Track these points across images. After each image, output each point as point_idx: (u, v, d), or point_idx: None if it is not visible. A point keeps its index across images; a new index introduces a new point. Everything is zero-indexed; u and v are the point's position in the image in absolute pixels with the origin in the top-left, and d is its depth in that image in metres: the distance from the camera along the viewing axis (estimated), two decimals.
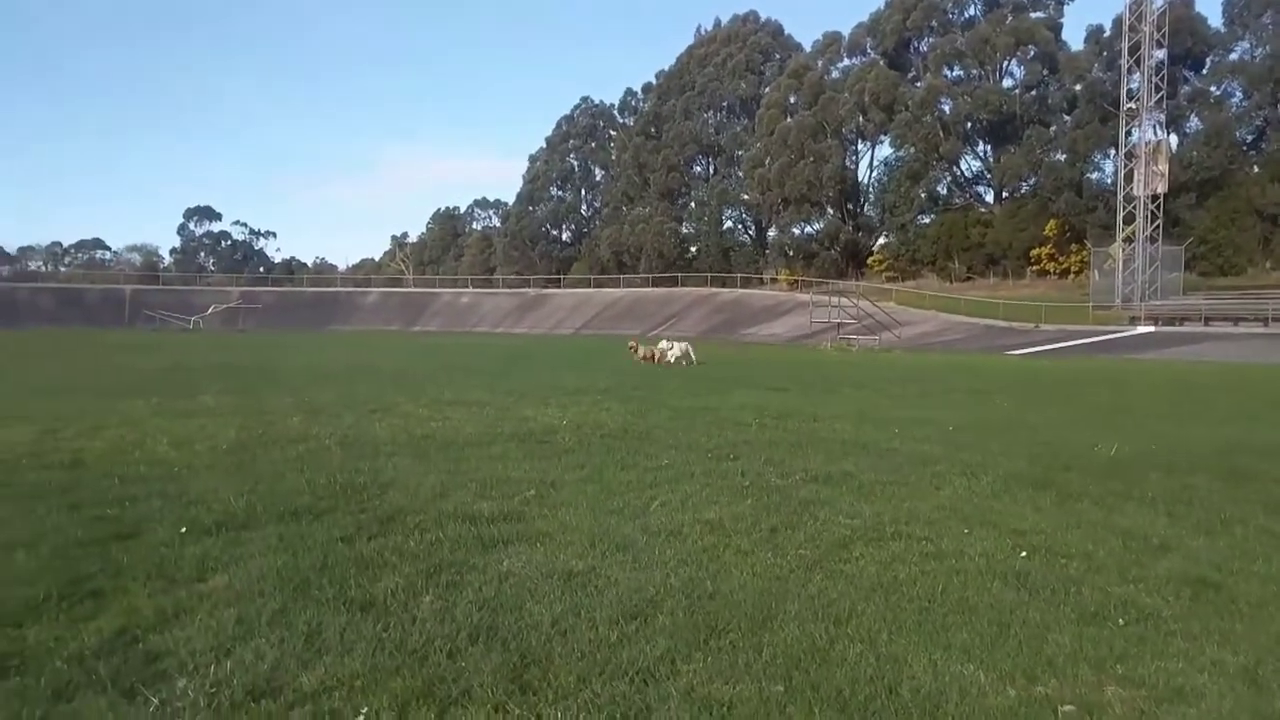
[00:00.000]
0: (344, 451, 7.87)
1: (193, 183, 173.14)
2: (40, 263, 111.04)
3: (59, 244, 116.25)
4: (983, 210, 67.73)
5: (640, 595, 4.04)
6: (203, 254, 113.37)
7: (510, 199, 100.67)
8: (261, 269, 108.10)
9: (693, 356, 24.09)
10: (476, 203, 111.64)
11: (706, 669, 3.25)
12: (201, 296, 78.32)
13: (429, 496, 6.06)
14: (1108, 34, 57.77)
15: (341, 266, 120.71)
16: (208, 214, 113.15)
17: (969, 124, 65.32)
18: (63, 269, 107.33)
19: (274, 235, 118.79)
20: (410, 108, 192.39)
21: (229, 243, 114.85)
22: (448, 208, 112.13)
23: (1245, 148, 55.67)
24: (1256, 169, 54.09)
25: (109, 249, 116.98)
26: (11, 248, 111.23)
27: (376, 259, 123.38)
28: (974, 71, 67.18)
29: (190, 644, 3.36)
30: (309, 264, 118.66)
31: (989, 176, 68.55)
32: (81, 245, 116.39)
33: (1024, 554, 4.92)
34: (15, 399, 11.63)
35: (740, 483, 6.78)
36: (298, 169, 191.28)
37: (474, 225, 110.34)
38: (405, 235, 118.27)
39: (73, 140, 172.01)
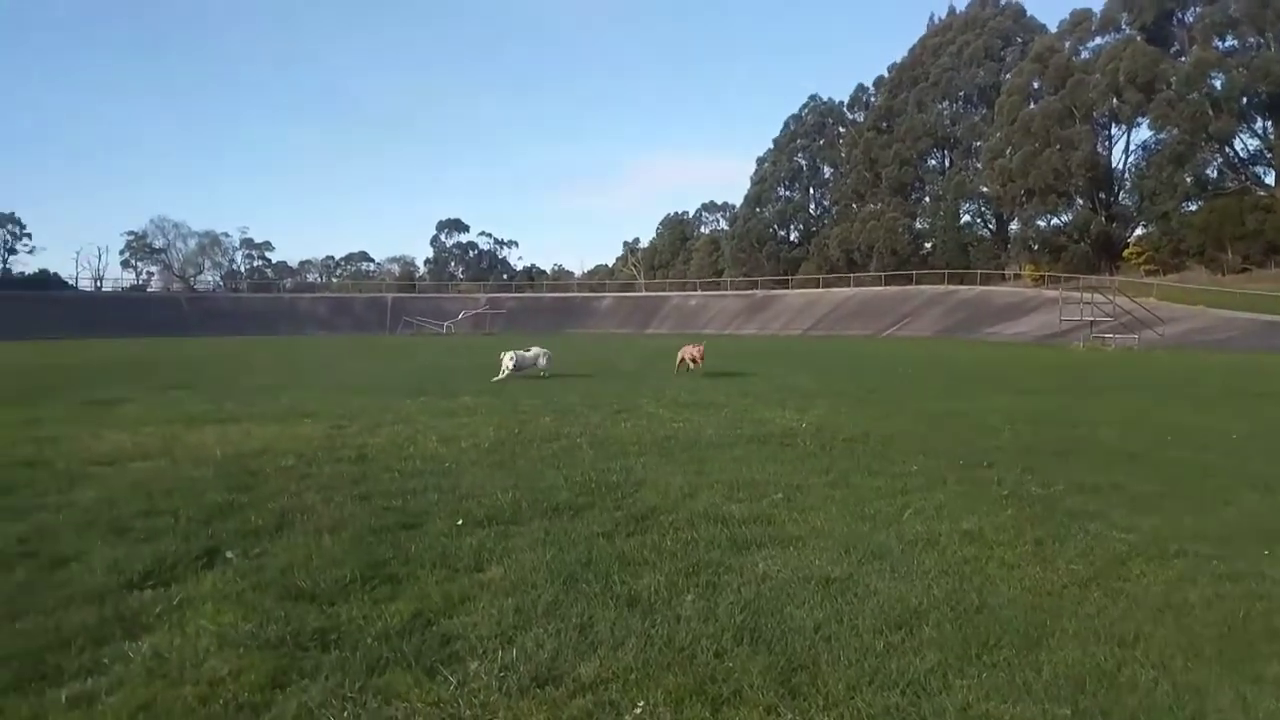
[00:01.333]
0: (595, 450, 8.20)
1: (443, 197, 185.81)
2: (316, 274, 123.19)
3: (331, 257, 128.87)
4: (1261, 194, 60.78)
5: (903, 605, 3.95)
6: (453, 263, 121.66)
7: (738, 201, 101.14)
8: (505, 276, 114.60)
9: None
10: (704, 206, 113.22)
11: (981, 685, 3.14)
12: (452, 303, 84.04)
13: (679, 496, 6.20)
14: None
15: (577, 273, 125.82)
16: (457, 226, 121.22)
17: (1244, 99, 58.89)
18: (334, 280, 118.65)
19: (516, 244, 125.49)
20: (640, 116, 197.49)
21: (475, 252, 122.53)
22: (677, 212, 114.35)
23: None
24: None
25: (373, 261, 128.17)
26: (294, 261, 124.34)
27: (610, 264, 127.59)
28: (1250, 40, 60.48)
29: (476, 629, 3.62)
30: (547, 270, 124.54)
31: (1269, 156, 61.48)
32: (349, 258, 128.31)
33: None
34: (305, 398, 12.97)
35: (998, 491, 6.47)
36: (537, 180, 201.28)
37: (702, 229, 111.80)
38: (636, 241, 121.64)
39: (342, 161, 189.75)
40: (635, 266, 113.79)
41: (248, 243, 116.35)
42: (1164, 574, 4.50)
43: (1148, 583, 4.35)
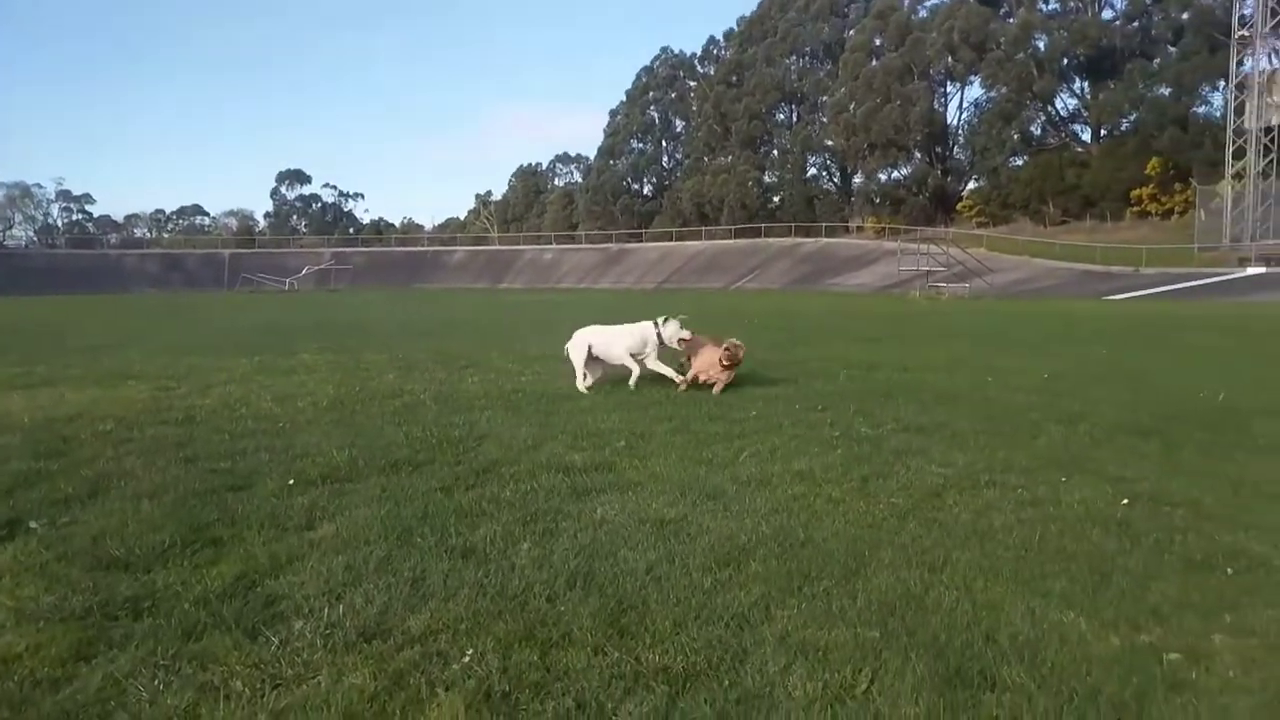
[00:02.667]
0: (439, 406, 8.08)
1: (283, 147, 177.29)
2: (145, 230, 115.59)
3: (161, 211, 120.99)
4: (1079, 150, 65.09)
5: (732, 543, 4.09)
6: (295, 217, 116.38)
7: (591, 154, 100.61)
8: (351, 230, 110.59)
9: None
10: (558, 158, 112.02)
11: (801, 614, 3.28)
12: (295, 258, 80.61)
13: (522, 448, 6.19)
14: None
15: (428, 226, 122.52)
16: (299, 177, 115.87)
17: (1065, 60, 62.59)
18: (165, 235, 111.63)
19: (362, 197, 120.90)
20: (490, 65, 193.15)
21: (319, 205, 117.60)
22: (530, 164, 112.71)
23: None
24: None
25: (208, 215, 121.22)
26: (118, 216, 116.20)
27: (461, 218, 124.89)
28: (1071, 4, 64.20)
29: (304, 588, 3.53)
30: (396, 224, 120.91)
31: (1086, 115, 65.79)
32: (182, 212, 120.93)
33: (1125, 502, 4.80)
34: (130, 359, 12.21)
35: (830, 433, 6.75)
36: (384, 131, 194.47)
37: (556, 181, 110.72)
38: (489, 193, 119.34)
39: (173, 110, 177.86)
40: (488, 220, 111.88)
41: (65, 195, 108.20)
42: (974, 503, 4.80)
43: (959, 512, 4.64)
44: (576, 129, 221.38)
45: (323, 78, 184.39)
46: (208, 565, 3.80)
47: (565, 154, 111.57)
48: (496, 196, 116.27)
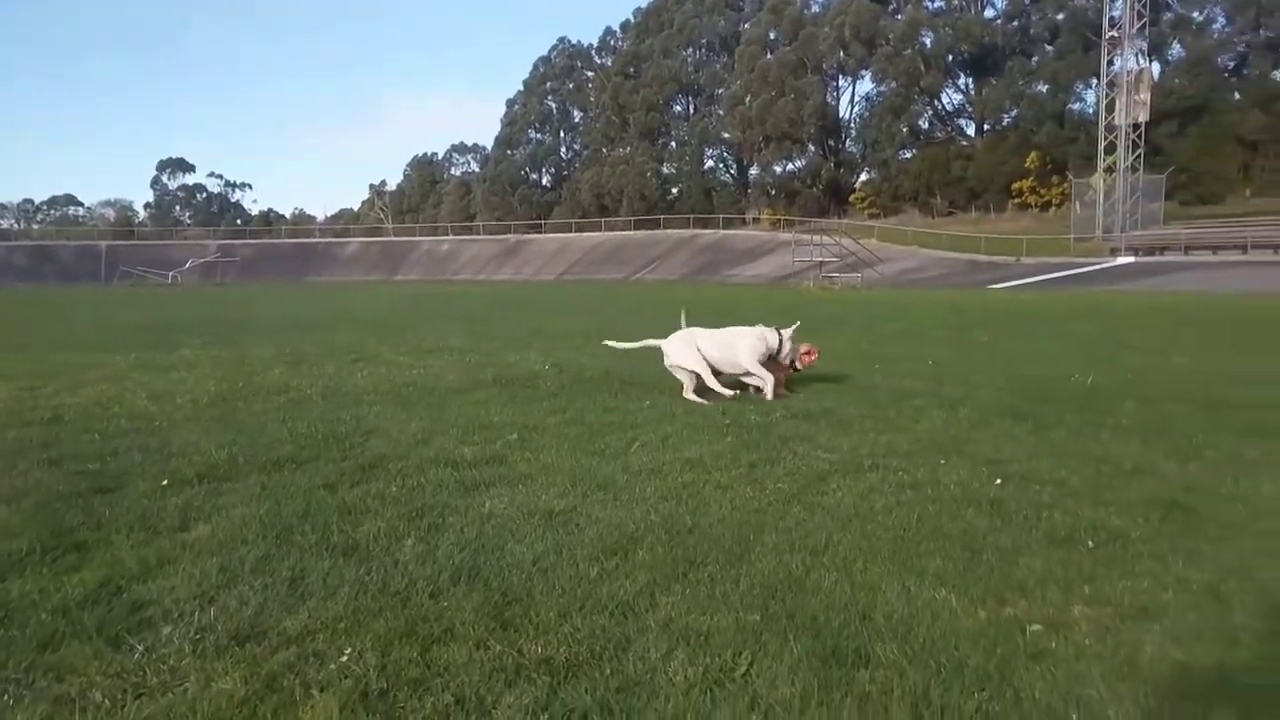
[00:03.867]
0: (326, 401, 7.87)
1: (164, 134, 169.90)
2: (12, 220, 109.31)
3: (30, 201, 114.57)
4: (964, 144, 67.50)
5: (620, 532, 4.10)
6: (178, 208, 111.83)
7: (489, 144, 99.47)
8: (238, 221, 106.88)
9: None
10: (454, 148, 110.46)
11: (685, 601, 3.31)
12: (179, 251, 77.64)
13: (411, 443, 6.08)
14: None
15: (320, 217, 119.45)
16: (181, 166, 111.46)
17: (950, 57, 64.81)
18: (35, 227, 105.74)
19: (250, 187, 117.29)
20: (385, 52, 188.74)
21: (204, 195, 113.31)
22: (426, 154, 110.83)
23: (1226, 74, 55.49)
24: (1237, 96, 53.92)
25: (82, 205, 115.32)
26: None
27: (355, 209, 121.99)
28: (955, 2, 66.40)
29: (174, 592, 3.39)
30: (287, 215, 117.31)
31: (970, 110, 68.21)
32: (53, 202, 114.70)
33: (998, 482, 5.00)
34: None
35: (721, 421, 6.83)
36: (272, 118, 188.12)
37: (453, 171, 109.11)
38: (384, 184, 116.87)
39: (41, 94, 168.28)
40: (383, 210, 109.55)
41: None
42: (857, 487, 4.93)
43: (842, 495, 4.76)
44: (473, 118, 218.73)
45: (207, 61, 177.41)
46: (69, 572, 3.61)
47: (462, 144, 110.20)
48: (391, 187, 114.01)
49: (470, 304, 28.76)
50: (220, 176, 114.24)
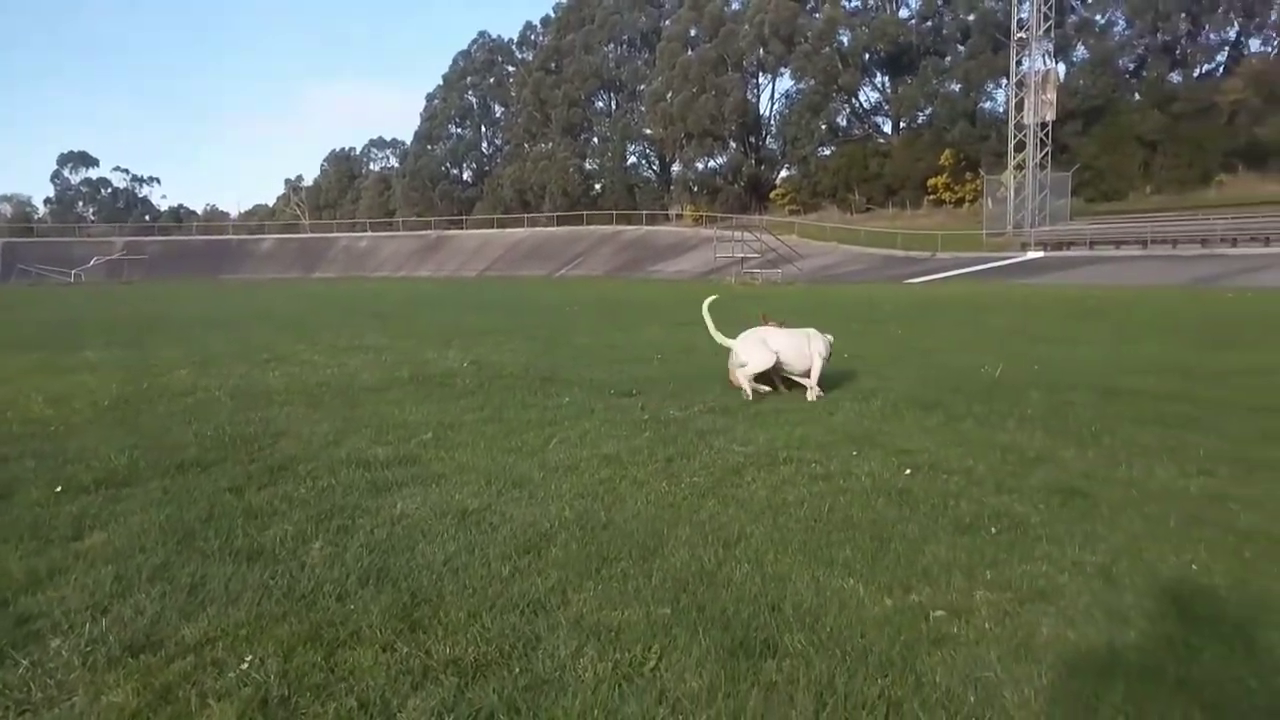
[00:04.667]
0: (235, 402, 7.65)
1: (65, 126, 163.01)
2: None
3: None
4: (881, 141, 68.78)
5: (534, 529, 4.07)
6: (81, 203, 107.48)
7: (408, 139, 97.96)
8: (146, 217, 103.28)
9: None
10: (373, 143, 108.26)
11: (596, 597, 3.31)
12: (82, 248, 74.69)
13: (322, 444, 5.96)
14: None
15: (233, 213, 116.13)
16: (84, 160, 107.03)
17: (867, 55, 65.92)
18: None
19: (158, 182, 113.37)
20: (301, 44, 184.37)
21: (109, 190, 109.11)
22: (343, 149, 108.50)
23: (1128, 75, 57.58)
24: (1137, 96, 56.03)
25: None
26: None
27: (270, 205, 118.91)
28: (871, 2, 67.62)
29: (65, 604, 3.25)
30: (198, 211, 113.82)
31: (887, 108, 69.49)
32: None
33: (908, 472, 5.11)
34: None
35: (640, 417, 6.84)
36: (182, 111, 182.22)
37: (371, 166, 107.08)
38: (300, 179, 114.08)
39: None
40: (299, 206, 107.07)
41: None
42: (771, 479, 4.98)
43: (756, 488, 4.81)
44: (393, 113, 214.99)
45: (109, 50, 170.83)
46: None
47: (381, 138, 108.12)
48: (308, 182, 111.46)
49: (389, 301, 28.29)
50: (126, 171, 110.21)
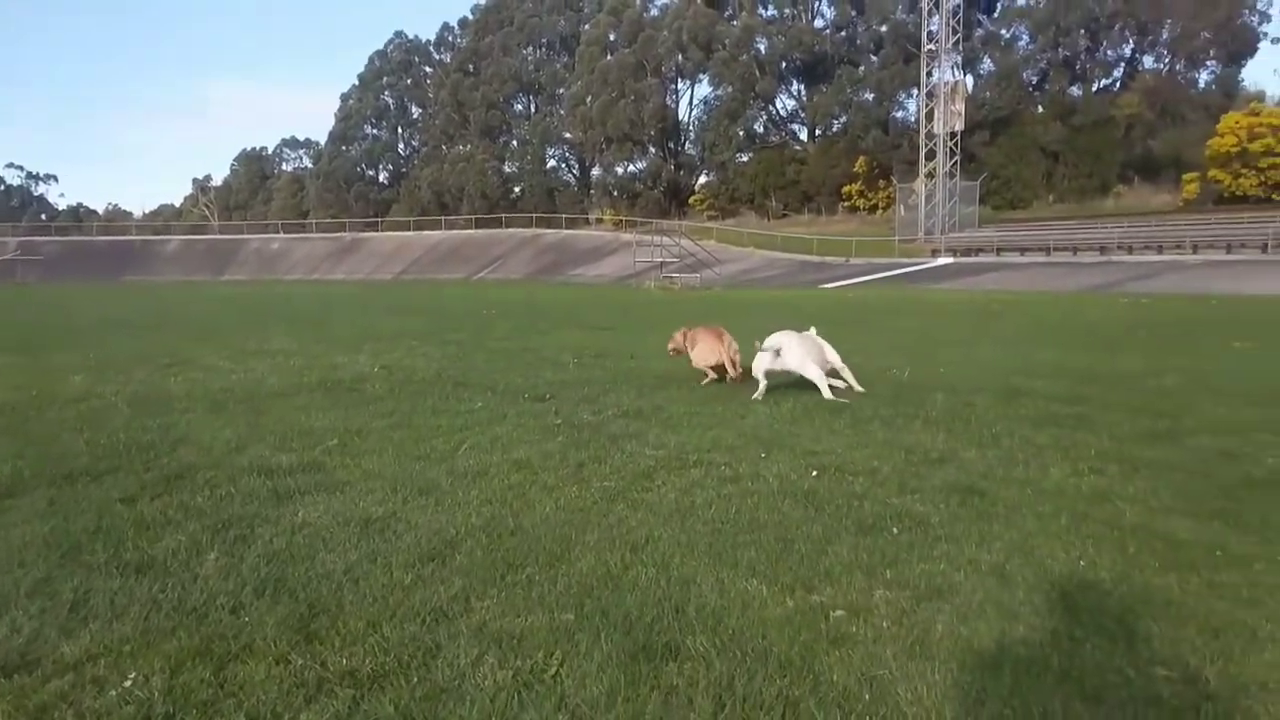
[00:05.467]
0: (132, 409, 7.37)
1: None
2: None
3: None
4: (798, 148, 69.93)
5: (440, 537, 4.01)
6: None
7: (322, 139, 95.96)
8: (43, 216, 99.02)
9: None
10: (285, 142, 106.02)
11: (500, 604, 3.27)
12: None
13: (224, 451, 5.78)
14: None
15: (137, 213, 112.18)
16: None
17: (784, 63, 66.97)
18: None
19: (55, 179, 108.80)
20: (210, 40, 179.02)
21: (2, 188, 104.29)
22: (254, 148, 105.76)
23: (1031, 88, 59.66)
24: (1040, 109, 58.13)
25: None
26: None
27: (177, 205, 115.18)
28: (787, 11, 68.73)
29: None
30: (99, 211, 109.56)
31: (803, 115, 70.67)
32: None
33: (815, 474, 5.18)
34: None
35: (553, 421, 6.81)
36: (80, 106, 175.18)
37: (284, 167, 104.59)
38: (208, 178, 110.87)
39: None
40: (208, 207, 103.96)
41: None
42: (680, 482, 5.01)
43: (666, 491, 4.82)
44: (306, 112, 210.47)
45: (4, 43, 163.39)
46: None
47: (294, 138, 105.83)
48: (217, 182, 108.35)
49: (300, 305, 27.65)
50: (20, 168, 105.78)
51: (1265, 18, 55.70)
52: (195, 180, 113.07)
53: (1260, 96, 52.72)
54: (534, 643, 2.95)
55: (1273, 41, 57.89)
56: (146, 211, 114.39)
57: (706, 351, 8.82)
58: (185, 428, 6.56)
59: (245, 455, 5.66)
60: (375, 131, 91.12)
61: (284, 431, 6.39)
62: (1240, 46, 55.73)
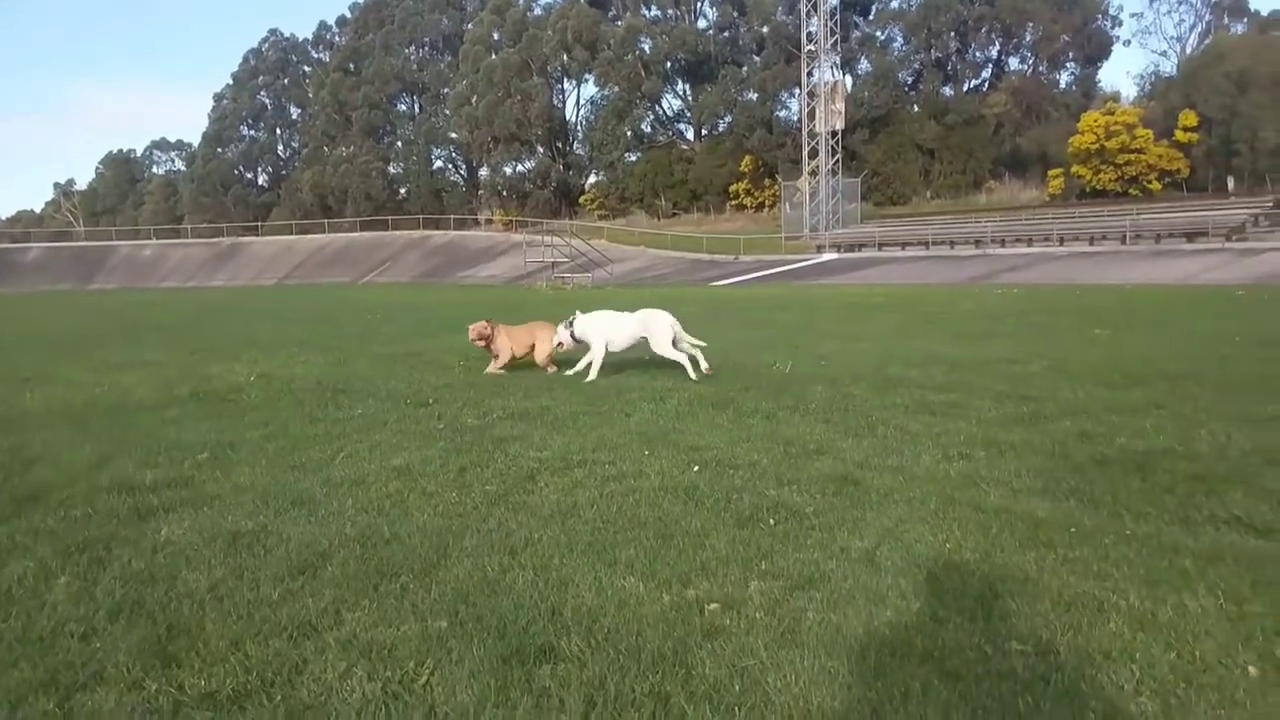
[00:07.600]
0: None
1: None
2: None
3: None
4: (685, 148, 70.61)
5: (311, 549, 3.90)
6: None
7: (195, 140, 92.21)
8: None
9: None
10: (155, 144, 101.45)
11: (372, 615, 3.20)
12: None
13: (83, 469, 5.48)
14: None
15: None
16: None
17: (669, 63, 67.51)
18: None
19: None
20: (68, 39, 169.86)
21: None
22: (122, 150, 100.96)
23: (906, 89, 61.70)
24: (916, 108, 60.17)
25: None
26: None
27: (38, 210, 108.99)
28: (670, 11, 69.32)
29: None
30: None
31: (689, 115, 71.40)
32: None
33: (696, 469, 5.24)
34: None
35: (435, 426, 6.70)
36: None
37: (155, 170, 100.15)
38: (71, 182, 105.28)
39: None
40: (72, 212, 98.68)
41: None
42: (563, 483, 4.99)
43: (548, 493, 4.80)
44: (177, 114, 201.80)
45: None
46: None
47: (165, 140, 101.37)
48: (82, 186, 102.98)
49: (174, 313, 26.53)
50: None
51: (1117, 22, 59.43)
52: (57, 185, 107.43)
53: (1116, 97, 55.89)
54: (405, 652, 2.89)
55: (1124, 44, 61.39)
56: (4, 217, 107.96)
57: (505, 345, 9.95)
58: (40, 446, 6.20)
59: (106, 473, 5.38)
60: (252, 133, 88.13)
61: (150, 446, 6.11)
62: (1096, 50, 59.18)
